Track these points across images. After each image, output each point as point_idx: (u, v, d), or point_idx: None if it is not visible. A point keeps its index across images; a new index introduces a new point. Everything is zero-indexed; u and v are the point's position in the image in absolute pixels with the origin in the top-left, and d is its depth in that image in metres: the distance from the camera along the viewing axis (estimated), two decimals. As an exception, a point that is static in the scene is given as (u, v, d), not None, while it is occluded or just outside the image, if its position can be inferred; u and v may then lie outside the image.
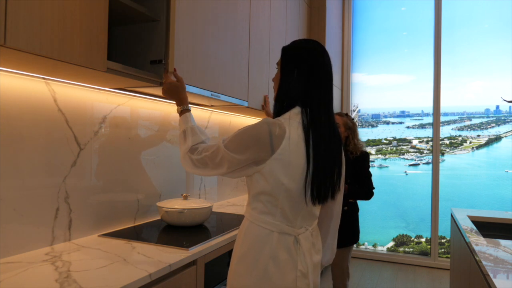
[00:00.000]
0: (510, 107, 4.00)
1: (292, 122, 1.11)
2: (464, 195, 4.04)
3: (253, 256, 1.13)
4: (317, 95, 1.13)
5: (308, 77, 1.13)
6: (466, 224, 2.03)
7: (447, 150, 4.15)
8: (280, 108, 1.16)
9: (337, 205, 1.31)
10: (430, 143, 4.15)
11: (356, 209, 2.55)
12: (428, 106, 4.16)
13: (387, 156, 4.38)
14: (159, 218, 1.94)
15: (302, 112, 1.12)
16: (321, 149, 1.10)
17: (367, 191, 2.47)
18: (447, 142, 4.16)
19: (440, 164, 4.06)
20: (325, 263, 1.33)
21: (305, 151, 1.09)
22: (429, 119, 4.18)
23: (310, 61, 1.14)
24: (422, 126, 4.27)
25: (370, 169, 2.58)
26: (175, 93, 1.38)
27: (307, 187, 1.10)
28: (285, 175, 1.08)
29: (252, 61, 2.34)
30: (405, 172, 4.29)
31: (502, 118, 4.02)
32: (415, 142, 4.29)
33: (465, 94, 4.07)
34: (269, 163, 1.08)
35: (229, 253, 1.65)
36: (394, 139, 4.39)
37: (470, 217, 2.27)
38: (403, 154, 4.32)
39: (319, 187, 1.11)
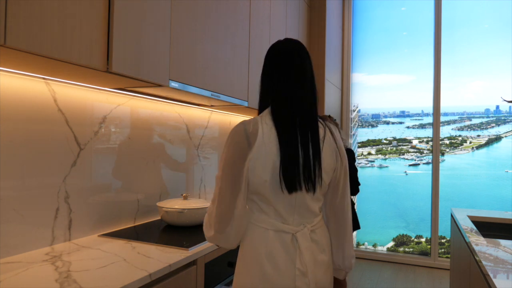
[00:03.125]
0: (510, 107, 4.00)
1: (266, 119, 1.15)
2: (464, 195, 4.04)
3: (251, 255, 1.14)
4: (284, 93, 1.17)
5: (278, 76, 1.19)
6: (466, 224, 2.03)
7: (447, 150, 4.15)
8: (260, 106, 1.23)
9: (339, 200, 1.27)
10: (430, 143, 4.15)
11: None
12: (428, 106, 4.16)
13: (387, 156, 4.38)
14: (159, 218, 1.94)
15: (273, 109, 1.17)
16: (286, 143, 1.12)
17: (352, 186, 2.59)
18: (447, 142, 4.16)
19: (440, 164, 4.06)
20: (347, 269, 1.31)
21: (278, 147, 1.11)
22: (429, 119, 4.18)
23: (279, 61, 1.20)
24: (422, 126, 4.27)
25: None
26: None
27: (280, 176, 1.11)
28: (265, 171, 1.10)
29: (252, 61, 2.34)
30: (405, 172, 4.29)
31: (502, 118, 4.02)
32: (415, 142, 4.29)
33: (465, 94, 4.07)
34: (251, 160, 1.11)
35: (229, 253, 1.65)
36: (394, 139, 4.39)
37: (470, 217, 2.27)
38: (403, 154, 4.32)
39: (286, 175, 1.11)
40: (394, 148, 4.38)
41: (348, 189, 1.29)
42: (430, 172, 4.08)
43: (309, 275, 1.13)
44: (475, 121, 4.12)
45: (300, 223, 1.16)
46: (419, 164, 4.24)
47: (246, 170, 1.12)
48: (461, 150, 4.13)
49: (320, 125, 1.20)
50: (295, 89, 1.17)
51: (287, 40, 1.25)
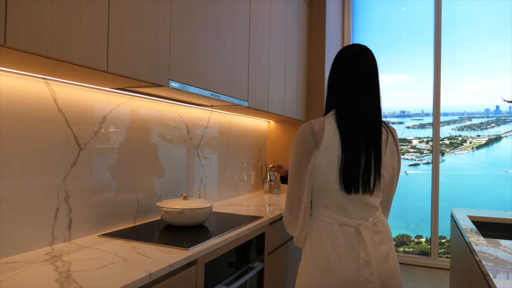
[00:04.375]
0: (510, 107, 4.00)
1: (331, 120, 1.25)
2: (464, 195, 4.04)
3: (318, 248, 1.24)
4: (349, 98, 1.25)
5: (343, 81, 1.28)
6: (466, 224, 2.03)
7: (447, 150, 4.15)
8: (326, 108, 1.33)
9: (393, 190, 1.44)
10: (430, 143, 4.15)
11: None
12: (428, 106, 4.16)
13: (387, 156, 4.37)
14: (159, 218, 1.94)
15: (337, 113, 1.26)
16: (348, 148, 1.21)
17: None
18: (447, 142, 4.16)
19: (440, 164, 4.06)
20: None
21: (340, 145, 1.21)
22: (429, 119, 4.17)
23: (346, 67, 1.29)
24: (422, 126, 4.27)
25: None
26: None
27: (340, 177, 1.22)
28: (329, 170, 1.21)
29: (252, 61, 2.34)
30: (405, 172, 4.28)
31: (502, 118, 4.02)
32: (415, 142, 4.29)
33: (465, 94, 4.07)
34: (317, 157, 1.21)
35: (229, 253, 1.65)
36: (394, 139, 4.38)
37: (470, 217, 2.27)
38: (403, 154, 4.32)
39: (345, 177, 1.21)
40: (394, 148, 4.37)
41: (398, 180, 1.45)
42: (430, 172, 4.08)
43: (373, 264, 1.21)
44: (475, 121, 4.12)
45: (362, 217, 1.26)
46: (419, 164, 4.24)
47: (312, 167, 1.22)
48: (461, 150, 4.12)
49: (383, 129, 1.29)
50: (361, 96, 1.25)
51: (354, 46, 1.32)
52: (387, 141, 1.28)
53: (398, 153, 1.34)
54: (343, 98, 1.26)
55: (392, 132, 1.32)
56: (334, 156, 1.20)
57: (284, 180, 2.39)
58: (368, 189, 1.24)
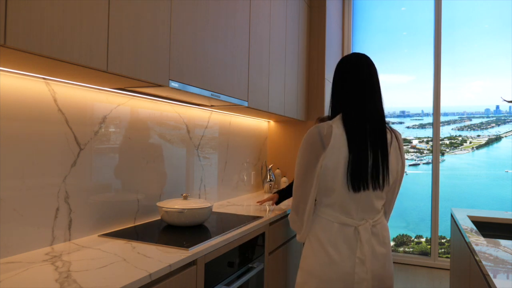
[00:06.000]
0: (510, 107, 4.00)
1: (337, 123, 1.30)
2: (464, 195, 4.04)
3: (319, 243, 1.31)
4: (356, 104, 1.31)
5: (350, 89, 1.34)
6: (466, 224, 2.03)
7: (447, 150, 4.14)
8: (332, 112, 1.40)
9: (395, 195, 1.48)
10: (430, 143, 4.15)
11: None
12: (428, 106, 4.16)
13: (387, 156, 4.37)
14: (159, 218, 1.94)
15: (344, 117, 1.31)
16: (355, 148, 1.26)
17: None
18: (447, 142, 4.15)
19: (440, 164, 4.06)
20: None
21: (347, 147, 1.26)
22: (429, 119, 4.17)
23: (351, 75, 1.35)
24: (422, 126, 4.27)
25: None
26: None
27: (348, 177, 1.27)
28: (336, 171, 1.26)
29: (252, 61, 2.34)
30: (405, 172, 4.28)
31: (502, 118, 4.02)
32: (415, 142, 4.29)
33: (465, 94, 4.07)
34: (323, 159, 1.26)
35: (229, 253, 1.65)
36: (394, 139, 4.38)
37: (470, 217, 2.27)
38: (403, 154, 4.32)
39: (353, 177, 1.26)
40: (394, 148, 4.36)
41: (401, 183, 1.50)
42: (430, 172, 4.08)
43: (367, 264, 1.27)
44: (475, 121, 4.12)
45: (363, 218, 1.32)
46: (419, 164, 4.24)
47: (319, 168, 1.28)
48: (461, 150, 4.12)
49: (387, 131, 1.35)
50: (366, 100, 1.32)
51: (355, 55, 1.39)
52: (391, 143, 1.34)
53: (402, 156, 1.39)
54: (349, 103, 1.32)
55: (396, 135, 1.38)
56: (342, 157, 1.26)
57: (278, 203, 2.48)
58: (378, 185, 1.30)
